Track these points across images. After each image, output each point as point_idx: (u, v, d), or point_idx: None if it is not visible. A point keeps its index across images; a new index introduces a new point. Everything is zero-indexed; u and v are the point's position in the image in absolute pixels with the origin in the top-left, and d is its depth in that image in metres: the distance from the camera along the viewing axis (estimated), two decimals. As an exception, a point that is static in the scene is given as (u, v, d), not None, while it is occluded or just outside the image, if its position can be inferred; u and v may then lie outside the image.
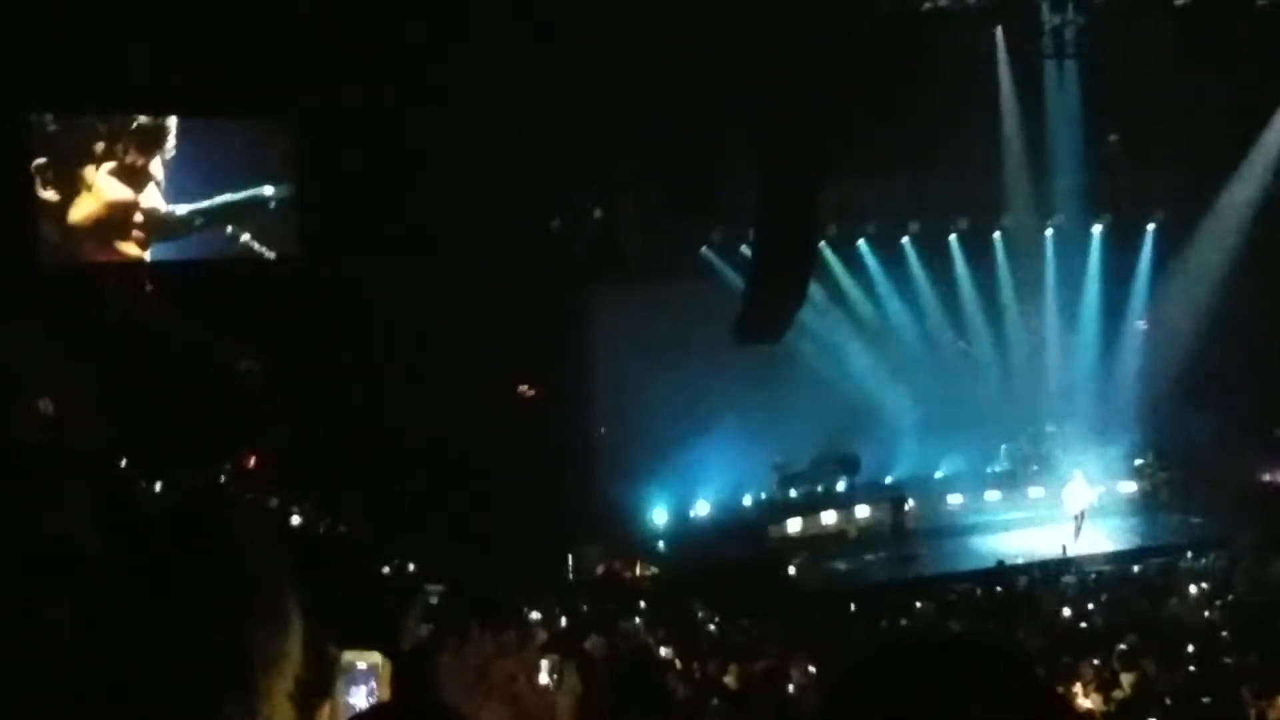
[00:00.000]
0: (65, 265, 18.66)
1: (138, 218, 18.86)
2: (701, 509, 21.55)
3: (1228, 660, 12.28)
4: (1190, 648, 12.85)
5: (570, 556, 19.25)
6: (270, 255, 19.59)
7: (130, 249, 19.05)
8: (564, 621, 13.68)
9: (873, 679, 1.42)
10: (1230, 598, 16.25)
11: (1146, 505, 22.27)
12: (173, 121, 18.89)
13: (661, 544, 20.62)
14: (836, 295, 23.12)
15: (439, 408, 18.80)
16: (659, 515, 21.01)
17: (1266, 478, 22.49)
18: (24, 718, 1.68)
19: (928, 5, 21.35)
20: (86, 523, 1.92)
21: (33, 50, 16.65)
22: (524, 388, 21.39)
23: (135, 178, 18.77)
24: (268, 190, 19.55)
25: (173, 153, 18.87)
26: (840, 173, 20.35)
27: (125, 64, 17.40)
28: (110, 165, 18.60)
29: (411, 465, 18.11)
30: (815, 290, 21.27)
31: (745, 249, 21.05)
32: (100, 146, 18.54)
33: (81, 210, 18.54)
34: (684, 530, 20.97)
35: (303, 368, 18.61)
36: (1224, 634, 13.91)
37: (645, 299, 20.96)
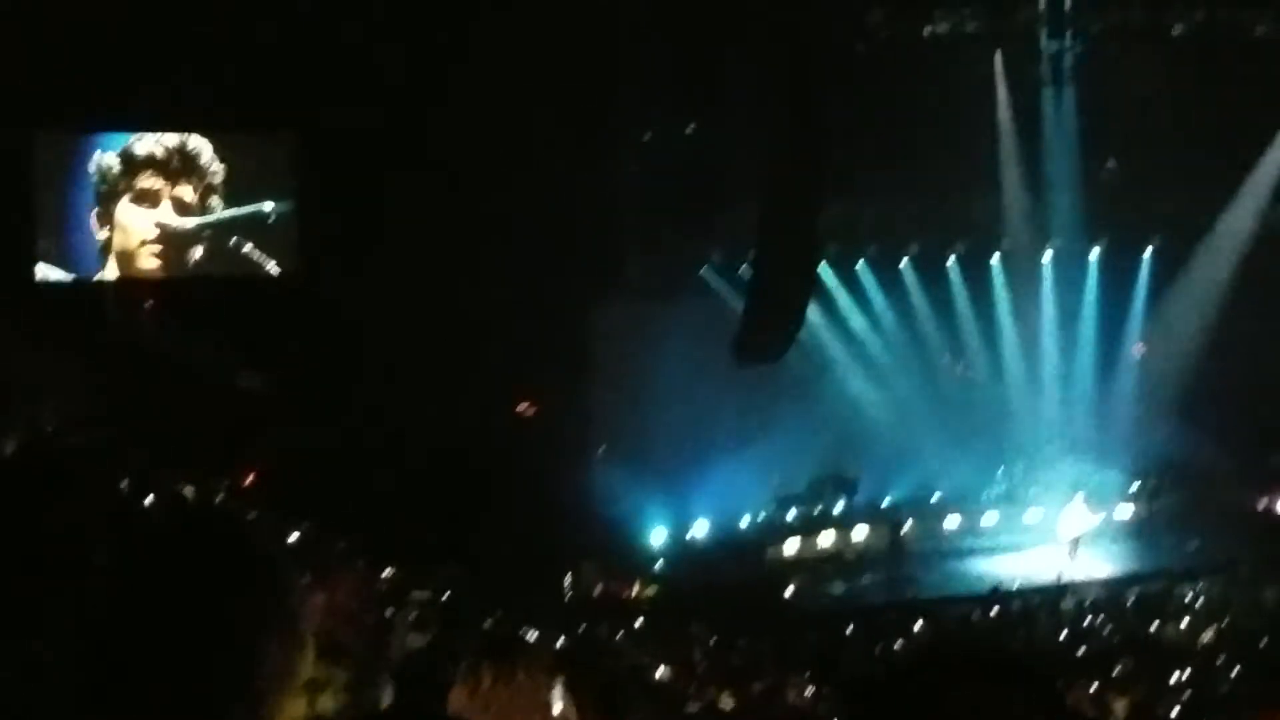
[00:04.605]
0: (67, 280, 18.88)
1: (154, 234, 19.31)
2: (700, 529, 21.53)
3: (1224, 685, 12.28)
4: (1187, 672, 12.84)
5: (568, 575, 19.23)
6: (274, 270, 19.77)
7: (149, 265, 19.44)
8: (561, 641, 13.65)
9: (902, 693, 1.45)
10: (1227, 622, 16.24)
11: (1143, 529, 22.25)
12: (187, 139, 19.27)
13: (659, 564, 20.60)
14: (835, 316, 23.16)
15: (438, 425, 18.81)
16: (657, 535, 20.99)
17: (1263, 503, 22.49)
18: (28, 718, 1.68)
19: (928, 30, 21.45)
20: (93, 528, 1.93)
21: (35, 68, 16.74)
22: (523, 406, 21.41)
23: (152, 196, 19.27)
24: (267, 206, 19.69)
25: (180, 161, 19.25)
26: (840, 194, 20.42)
27: (132, 83, 17.52)
28: (127, 192, 19.18)
29: (410, 482, 18.10)
30: (814, 311, 21.31)
31: (745, 269, 21.09)
32: (117, 169, 19.13)
33: (118, 241, 19.26)
34: (682, 550, 20.94)
35: (303, 383, 18.63)
36: (1220, 658, 13.90)
37: (645, 318, 20.99)
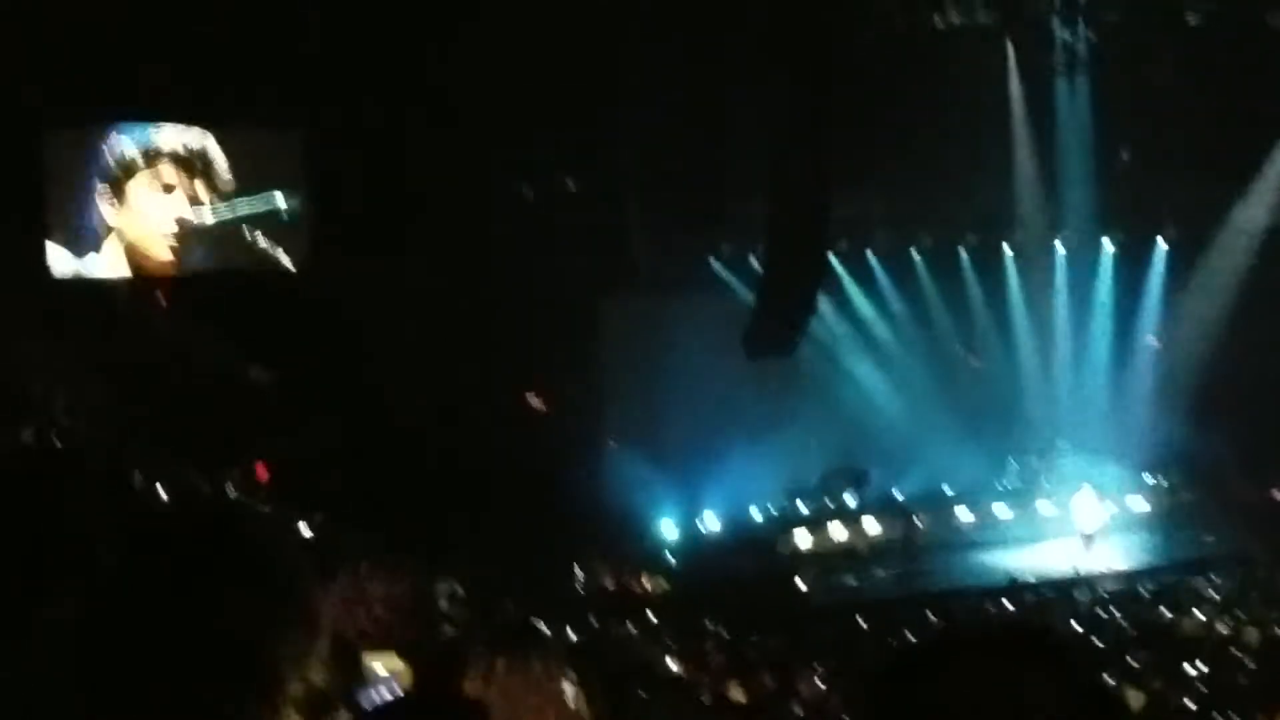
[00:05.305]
0: (80, 271, 18.95)
1: (169, 228, 19.38)
2: (711, 522, 21.52)
3: (1239, 678, 12.23)
4: (1201, 665, 12.79)
5: (578, 569, 19.22)
6: (287, 263, 19.82)
7: (162, 257, 19.54)
8: (572, 634, 13.64)
9: (922, 669, 1.40)
10: (1241, 615, 16.18)
11: (1158, 522, 22.18)
12: (202, 134, 19.35)
13: (670, 557, 20.59)
14: (846, 309, 23.12)
15: (448, 419, 18.81)
16: (668, 528, 20.99)
17: (1278, 495, 22.40)
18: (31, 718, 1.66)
19: (939, 20, 21.37)
20: (99, 525, 1.91)
21: (41, 63, 16.78)
22: (533, 399, 21.40)
23: (168, 190, 19.42)
24: (279, 200, 19.73)
25: (201, 164, 19.35)
26: (851, 186, 20.37)
27: (142, 77, 17.56)
28: (146, 179, 19.26)
29: (421, 476, 18.12)
30: (825, 304, 21.26)
31: (754, 261, 21.05)
32: (138, 160, 19.21)
33: (130, 227, 19.34)
34: (693, 544, 20.94)
35: (313, 378, 18.63)
36: (1235, 652, 13.85)
37: (654, 311, 20.99)
